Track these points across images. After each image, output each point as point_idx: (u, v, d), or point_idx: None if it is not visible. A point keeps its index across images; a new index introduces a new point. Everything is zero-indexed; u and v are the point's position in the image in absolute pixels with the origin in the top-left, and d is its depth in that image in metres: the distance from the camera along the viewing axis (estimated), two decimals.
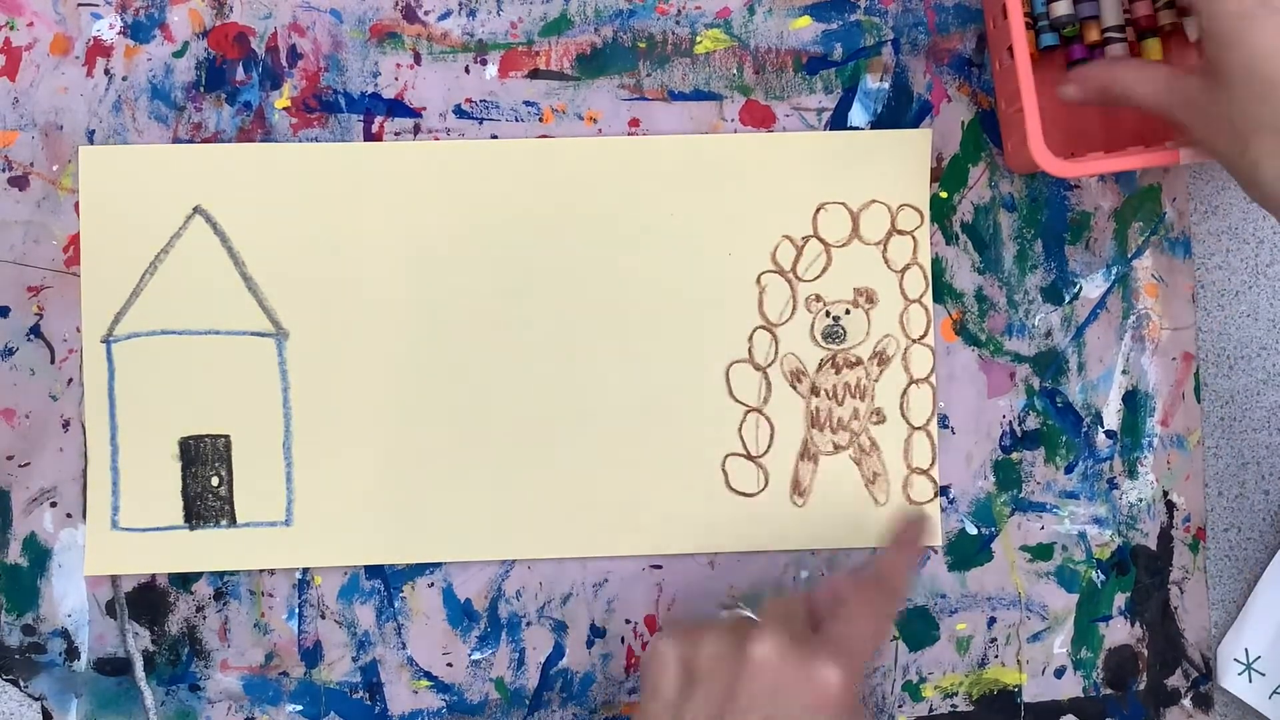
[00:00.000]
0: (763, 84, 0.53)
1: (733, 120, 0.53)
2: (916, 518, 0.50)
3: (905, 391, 0.53)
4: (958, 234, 0.53)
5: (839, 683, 0.42)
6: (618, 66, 0.53)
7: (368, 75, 0.52)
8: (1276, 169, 0.43)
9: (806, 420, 0.53)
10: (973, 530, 0.53)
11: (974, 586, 0.53)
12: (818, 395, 0.53)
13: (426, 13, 0.52)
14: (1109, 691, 0.53)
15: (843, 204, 0.53)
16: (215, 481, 0.51)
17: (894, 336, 0.53)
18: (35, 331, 0.52)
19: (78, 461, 0.51)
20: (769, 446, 0.52)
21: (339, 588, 0.52)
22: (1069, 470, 0.53)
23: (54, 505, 0.51)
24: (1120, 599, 0.53)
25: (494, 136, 0.52)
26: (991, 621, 0.53)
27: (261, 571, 0.52)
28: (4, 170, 0.52)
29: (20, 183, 0.52)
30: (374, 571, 0.52)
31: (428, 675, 0.52)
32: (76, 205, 0.51)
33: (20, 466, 0.51)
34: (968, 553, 0.53)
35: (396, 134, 0.52)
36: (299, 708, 0.52)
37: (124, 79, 0.52)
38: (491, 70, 0.53)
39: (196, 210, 0.52)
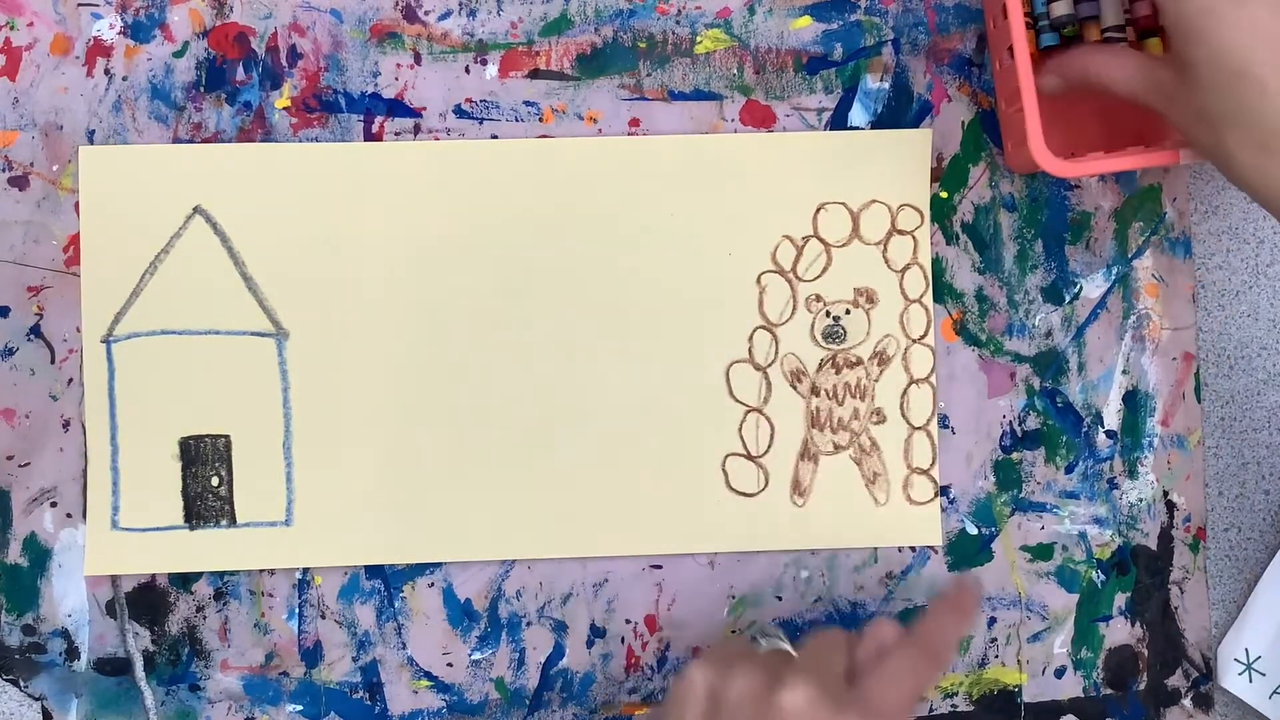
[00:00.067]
0: (763, 84, 0.53)
1: (733, 120, 0.53)
2: (971, 583, 0.49)
3: (905, 391, 0.53)
4: (958, 234, 0.53)
5: None
6: (618, 66, 0.53)
7: (368, 75, 0.52)
8: (1248, 160, 0.43)
9: (806, 420, 0.53)
10: (973, 530, 0.53)
11: None
12: (818, 395, 0.53)
13: (427, 13, 0.52)
14: (1109, 691, 0.53)
15: (843, 204, 0.53)
16: (215, 481, 0.51)
17: (894, 336, 0.53)
18: (35, 331, 0.52)
19: (78, 461, 0.51)
20: (769, 446, 0.52)
21: (339, 588, 0.52)
22: (1069, 470, 0.53)
23: (54, 505, 0.51)
24: (1120, 599, 0.53)
25: (494, 136, 0.52)
26: (991, 621, 0.53)
27: (261, 571, 0.52)
28: (4, 170, 0.52)
29: (20, 183, 0.52)
30: (374, 571, 0.52)
31: (428, 675, 0.52)
32: (76, 205, 0.51)
33: (20, 466, 0.51)
34: (968, 553, 0.53)
35: (396, 134, 0.52)
36: (299, 708, 0.52)
37: (124, 79, 0.52)
38: (491, 70, 0.53)
39: (196, 210, 0.52)
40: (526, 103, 0.53)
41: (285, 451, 0.51)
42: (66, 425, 0.51)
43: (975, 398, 0.53)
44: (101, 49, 0.52)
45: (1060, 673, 0.53)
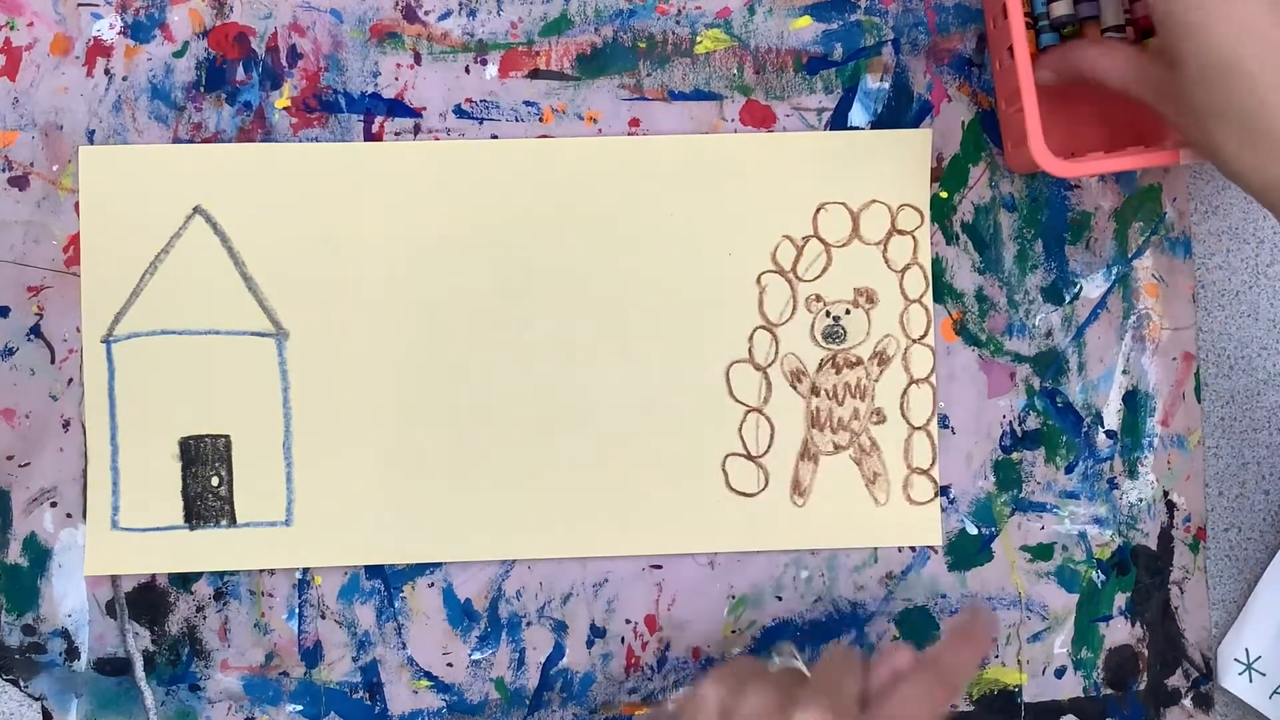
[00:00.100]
0: (763, 84, 0.53)
1: (733, 120, 0.53)
2: (986, 614, 0.49)
3: (905, 391, 0.53)
4: (958, 234, 0.53)
5: None
6: (618, 66, 0.53)
7: (368, 75, 0.52)
8: (1236, 153, 0.43)
9: (807, 420, 0.53)
10: (973, 530, 0.53)
11: (974, 586, 0.53)
12: (818, 395, 0.53)
13: (427, 13, 0.52)
14: (1109, 691, 0.53)
15: (843, 204, 0.53)
16: (215, 481, 0.51)
17: (894, 336, 0.53)
18: (35, 331, 0.52)
19: (78, 461, 0.51)
20: (769, 446, 0.52)
21: (339, 588, 0.52)
22: (1069, 470, 0.53)
23: (54, 505, 0.51)
24: (1120, 599, 0.53)
25: (494, 136, 0.52)
26: None
27: (261, 571, 0.52)
28: (4, 170, 0.52)
29: (20, 183, 0.52)
30: (374, 571, 0.52)
31: (428, 675, 0.52)
32: (76, 205, 0.51)
33: (20, 466, 0.51)
34: (968, 553, 0.53)
35: (396, 134, 0.52)
36: (299, 708, 0.52)
37: (124, 79, 0.52)
38: (491, 70, 0.53)
39: (196, 210, 0.52)
40: (526, 103, 0.53)
41: (285, 451, 0.51)
42: (66, 425, 0.51)
43: (975, 398, 0.53)
44: (101, 49, 0.52)
45: (1060, 673, 0.53)
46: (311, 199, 0.52)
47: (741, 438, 0.52)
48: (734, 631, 0.53)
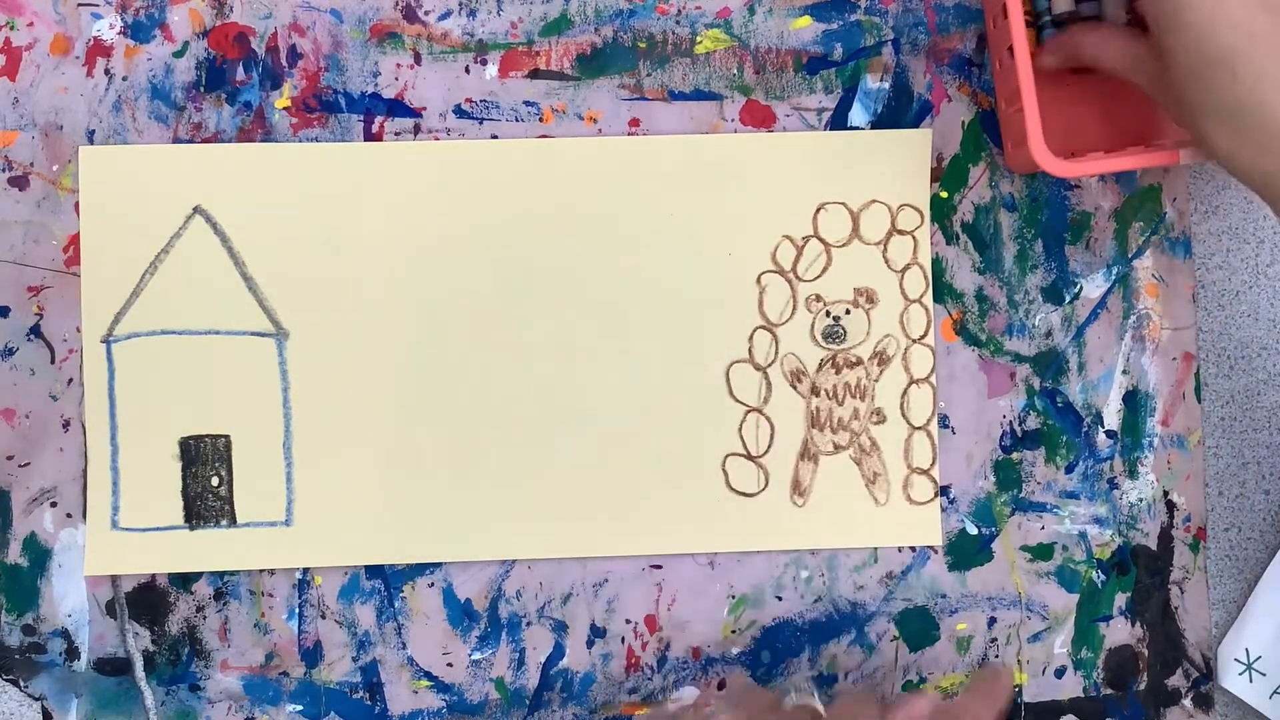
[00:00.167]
0: (763, 84, 0.53)
1: (733, 120, 0.53)
2: (1005, 672, 0.49)
3: (905, 391, 0.53)
4: (958, 234, 0.53)
5: None
6: (618, 66, 0.53)
7: (368, 75, 0.52)
8: (1225, 147, 0.44)
9: (807, 420, 0.53)
10: (973, 530, 0.53)
11: (974, 586, 0.53)
12: (818, 395, 0.53)
13: (426, 13, 0.52)
14: (1109, 691, 0.53)
15: (843, 204, 0.53)
16: (215, 481, 0.51)
17: (894, 336, 0.53)
18: (35, 331, 0.52)
19: (78, 461, 0.51)
20: (769, 446, 0.52)
21: (339, 588, 0.52)
22: (1069, 470, 0.53)
23: (54, 505, 0.51)
24: (1120, 599, 0.53)
25: (494, 136, 0.52)
26: (992, 621, 0.53)
27: (261, 571, 0.52)
28: (4, 170, 0.52)
29: (20, 183, 0.52)
30: (374, 571, 0.52)
31: (428, 675, 0.52)
32: (76, 205, 0.51)
33: (20, 466, 0.51)
34: (968, 553, 0.53)
35: (396, 134, 0.52)
36: (299, 708, 0.52)
37: (124, 79, 0.52)
38: (491, 70, 0.53)
39: (196, 210, 0.52)
40: (526, 103, 0.53)
41: (285, 451, 0.51)
42: (66, 425, 0.51)
43: (975, 398, 0.53)
44: (101, 49, 0.52)
45: (1060, 673, 0.53)
46: (311, 199, 0.52)
47: (741, 438, 0.52)
48: (734, 631, 0.53)
